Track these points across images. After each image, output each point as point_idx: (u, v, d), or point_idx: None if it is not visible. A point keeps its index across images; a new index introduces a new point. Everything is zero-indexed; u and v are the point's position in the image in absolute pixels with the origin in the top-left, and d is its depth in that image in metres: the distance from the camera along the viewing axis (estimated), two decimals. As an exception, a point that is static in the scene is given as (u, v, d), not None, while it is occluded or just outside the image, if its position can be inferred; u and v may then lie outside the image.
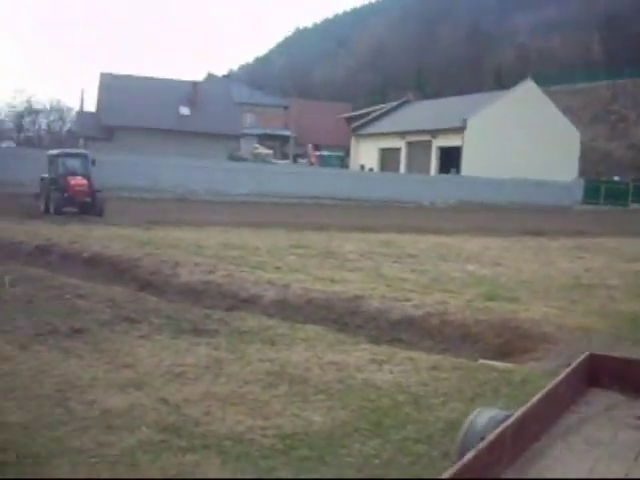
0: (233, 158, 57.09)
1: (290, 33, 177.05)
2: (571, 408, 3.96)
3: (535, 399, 3.54)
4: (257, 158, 62.79)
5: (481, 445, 2.96)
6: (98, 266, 15.48)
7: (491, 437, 3.06)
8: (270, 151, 67.96)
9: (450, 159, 57.64)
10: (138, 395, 6.72)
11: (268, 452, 5.52)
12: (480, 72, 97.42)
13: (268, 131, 76.24)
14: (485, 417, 3.84)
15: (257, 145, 69.74)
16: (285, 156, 70.76)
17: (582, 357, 4.38)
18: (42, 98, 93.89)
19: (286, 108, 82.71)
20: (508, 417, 3.43)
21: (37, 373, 7.30)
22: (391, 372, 7.89)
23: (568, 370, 4.12)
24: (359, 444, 5.76)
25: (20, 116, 76.87)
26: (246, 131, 66.42)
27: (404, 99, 75.59)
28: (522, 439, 3.29)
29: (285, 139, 74.15)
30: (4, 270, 13.76)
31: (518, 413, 3.36)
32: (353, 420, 6.29)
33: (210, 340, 9.11)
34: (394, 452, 5.64)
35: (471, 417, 3.94)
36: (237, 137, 61.66)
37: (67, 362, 7.76)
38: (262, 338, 9.35)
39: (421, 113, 66.46)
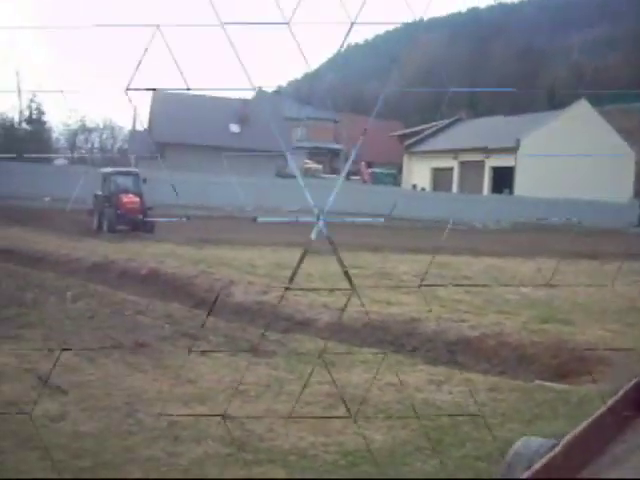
0: (281, 175, 57.37)
1: (341, 49, 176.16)
2: (619, 437, 3.82)
3: (581, 427, 3.48)
4: (307, 173, 63.11)
5: (527, 474, 2.96)
6: (154, 283, 15.78)
7: (537, 466, 3.04)
8: (320, 166, 68.18)
9: (503, 179, 57.11)
10: (202, 409, 6.92)
11: (331, 467, 5.66)
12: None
13: (318, 144, 76.23)
14: (530, 446, 3.81)
15: (307, 160, 69.97)
16: (334, 171, 70.67)
17: (630, 384, 4.25)
18: (95, 117, 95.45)
19: (336, 122, 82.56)
20: (555, 446, 3.39)
21: (105, 385, 7.58)
22: (450, 392, 7.97)
23: (616, 397, 4.01)
24: (420, 462, 5.86)
25: (74, 134, 78.22)
26: (296, 144, 66.69)
27: (456, 117, 75.14)
28: (569, 468, 3.24)
29: (335, 153, 74.19)
30: (66, 286, 14.18)
31: (564, 442, 3.32)
32: (414, 439, 6.38)
33: (269, 360, 9.26)
34: (455, 469, 5.73)
35: (516, 446, 3.91)
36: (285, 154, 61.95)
37: (133, 376, 8.03)
38: (321, 359, 9.44)
39: (474, 132, 65.95)
